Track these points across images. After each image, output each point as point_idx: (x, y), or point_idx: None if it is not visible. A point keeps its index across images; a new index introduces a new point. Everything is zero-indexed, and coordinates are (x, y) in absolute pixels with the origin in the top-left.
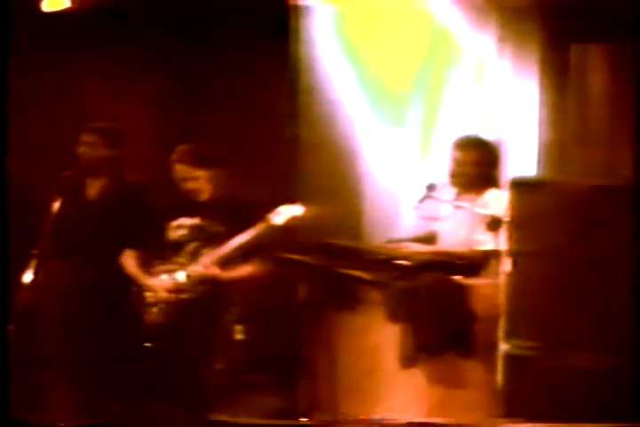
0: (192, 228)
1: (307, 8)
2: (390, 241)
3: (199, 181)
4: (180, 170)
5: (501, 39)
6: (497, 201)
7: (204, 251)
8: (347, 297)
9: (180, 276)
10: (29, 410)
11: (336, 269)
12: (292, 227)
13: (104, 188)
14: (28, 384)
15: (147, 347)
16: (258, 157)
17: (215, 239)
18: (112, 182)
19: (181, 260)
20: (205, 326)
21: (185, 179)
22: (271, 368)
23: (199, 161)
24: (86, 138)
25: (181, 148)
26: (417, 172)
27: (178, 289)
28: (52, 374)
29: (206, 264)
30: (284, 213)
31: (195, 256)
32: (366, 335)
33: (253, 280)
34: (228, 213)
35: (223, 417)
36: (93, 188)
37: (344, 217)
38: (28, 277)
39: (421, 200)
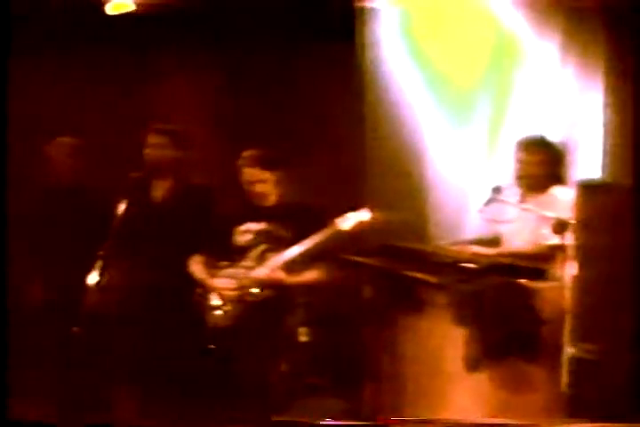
0: (259, 233)
1: (372, 10)
2: (455, 243)
3: (267, 184)
4: (249, 173)
5: (566, 41)
6: (562, 203)
7: (270, 255)
8: (411, 300)
9: (247, 279)
10: (91, 410)
11: (401, 271)
12: (358, 232)
13: (170, 190)
14: (94, 385)
15: (210, 349)
16: (324, 160)
17: (281, 244)
18: (178, 184)
19: (247, 264)
20: (270, 328)
21: (253, 182)
22: (335, 371)
23: (267, 164)
24: (153, 139)
25: (249, 152)
26: (483, 173)
27: (243, 292)
28: (117, 374)
29: (272, 268)
30: (351, 219)
31: (261, 260)
32: (431, 338)
33: (320, 284)
34: (295, 218)
35: (286, 418)
36: (159, 189)
37: (409, 219)
38: (93, 278)
39: (487, 203)
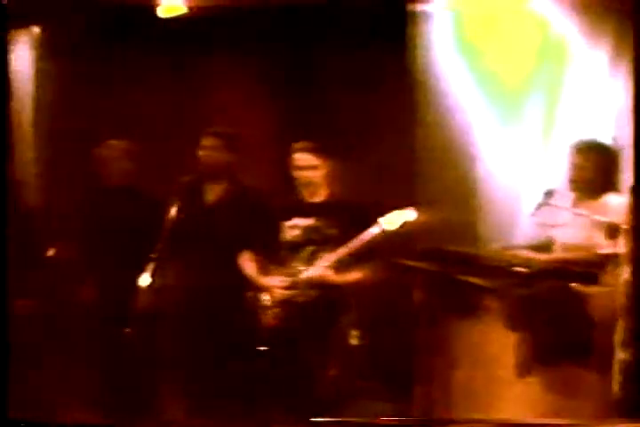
0: (306, 228)
1: (424, 13)
2: (507, 248)
3: (317, 172)
4: (299, 158)
5: (617, 43)
6: (616, 207)
7: (320, 254)
8: (463, 304)
9: (296, 280)
10: (140, 410)
11: (452, 275)
12: (404, 232)
13: (222, 192)
14: (144, 385)
15: (261, 350)
16: (374, 160)
17: (330, 241)
18: (230, 187)
19: (297, 263)
20: (321, 330)
21: (303, 168)
22: (385, 374)
23: (319, 151)
24: (207, 142)
25: (302, 141)
26: (534, 177)
27: (294, 293)
28: (167, 375)
29: (321, 268)
30: (396, 219)
31: (310, 259)
32: (482, 342)
33: (367, 284)
34: (343, 215)
35: (335, 420)
36: (211, 192)
37: (460, 222)
38: (145, 279)
39: (539, 207)
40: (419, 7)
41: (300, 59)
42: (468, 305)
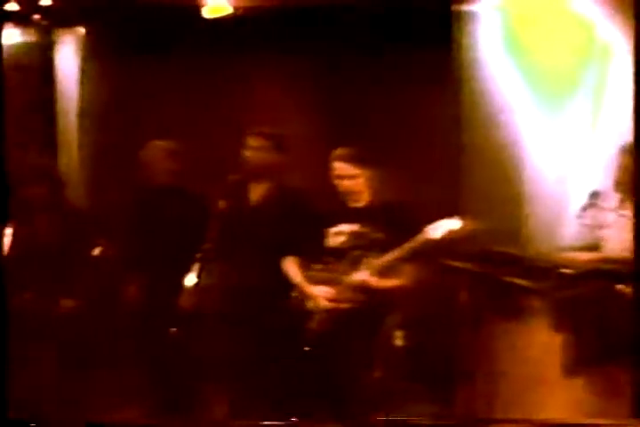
0: (352, 234)
1: (469, 13)
2: (553, 249)
3: (357, 181)
4: (339, 168)
5: None
6: None
7: (365, 259)
8: (508, 305)
9: (341, 285)
10: (185, 410)
11: (498, 276)
12: (449, 241)
13: (266, 192)
14: (188, 385)
15: (306, 351)
16: (419, 163)
17: (375, 246)
18: (275, 187)
19: (342, 267)
20: (365, 331)
21: (342, 177)
22: (430, 375)
23: (358, 160)
24: (253, 142)
25: (341, 148)
26: (580, 178)
27: (339, 299)
28: (212, 375)
29: (366, 274)
30: (442, 227)
31: (355, 264)
32: (527, 344)
33: (413, 286)
34: (388, 220)
35: (379, 419)
36: (256, 192)
37: (506, 224)
38: (192, 279)
39: (584, 208)
40: (464, 7)
41: (344, 60)
42: (513, 306)
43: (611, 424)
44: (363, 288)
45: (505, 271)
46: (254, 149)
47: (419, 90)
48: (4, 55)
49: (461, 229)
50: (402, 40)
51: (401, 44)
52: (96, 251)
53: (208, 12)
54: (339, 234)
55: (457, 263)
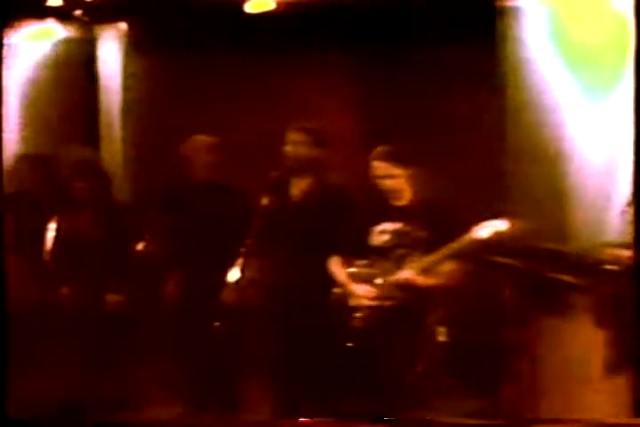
0: (395, 233)
1: (514, 8)
2: (597, 245)
3: (397, 180)
4: (378, 167)
5: None
6: None
7: (410, 258)
8: (552, 301)
9: (384, 283)
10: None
11: (542, 272)
12: (496, 241)
13: (309, 188)
14: (230, 380)
15: (348, 348)
16: (461, 161)
17: (418, 244)
18: (316, 183)
19: (386, 266)
20: (408, 328)
21: (382, 177)
22: (473, 371)
23: (397, 159)
24: (293, 137)
25: (381, 147)
26: (625, 173)
27: (382, 296)
28: (254, 370)
29: (411, 273)
30: (488, 228)
31: (399, 263)
32: (571, 340)
33: (457, 285)
34: (431, 218)
35: (422, 417)
36: (298, 188)
37: (550, 220)
38: (234, 274)
39: (629, 204)
40: (507, 2)
41: (386, 57)
42: (557, 302)
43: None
44: (406, 286)
45: (549, 268)
46: (295, 144)
47: (462, 87)
48: (47, 52)
49: (508, 229)
50: (445, 37)
51: (444, 41)
52: (139, 246)
53: (251, 8)
54: (382, 232)
55: (501, 260)
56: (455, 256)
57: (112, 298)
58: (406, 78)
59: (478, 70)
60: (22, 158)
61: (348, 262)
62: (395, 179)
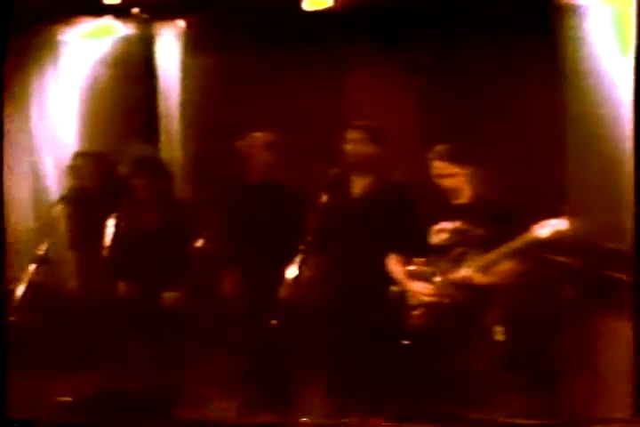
0: (454, 232)
1: (573, 6)
2: None
3: (457, 179)
4: (438, 166)
5: None
6: None
7: (468, 256)
8: (611, 301)
9: (443, 281)
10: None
11: (601, 272)
12: (555, 240)
13: (369, 186)
14: (287, 377)
15: (405, 346)
16: (521, 160)
17: (477, 243)
18: (377, 181)
19: (444, 264)
20: (466, 328)
21: (442, 176)
22: (530, 370)
23: (456, 158)
24: (352, 135)
25: (440, 146)
26: None
27: (440, 294)
28: (311, 367)
29: (469, 271)
30: (548, 227)
31: (458, 262)
32: (629, 339)
33: (515, 284)
34: (490, 217)
35: (479, 416)
36: (359, 185)
37: (610, 218)
38: (293, 272)
39: None
40: (569, 1)
41: (445, 55)
42: (615, 302)
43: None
44: (464, 285)
45: (608, 267)
46: (355, 143)
47: (522, 86)
48: (105, 49)
49: (567, 228)
50: (505, 35)
51: (504, 39)
52: (198, 243)
53: (308, 5)
54: (441, 231)
55: (560, 259)
56: (514, 255)
57: (170, 295)
58: (465, 76)
59: (539, 69)
60: (82, 156)
61: (406, 261)
62: (454, 178)
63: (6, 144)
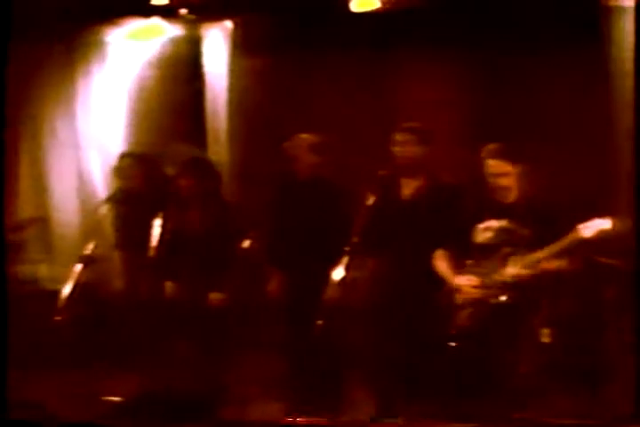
0: (500, 230)
1: (620, 8)
2: None
3: (510, 178)
4: (491, 165)
5: None
6: None
7: (513, 256)
8: None
9: (491, 281)
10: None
11: None
12: (600, 240)
13: (419, 187)
14: (334, 379)
15: (451, 346)
16: (567, 159)
17: (523, 242)
18: (427, 182)
19: (490, 264)
20: (513, 329)
21: (496, 175)
22: (575, 373)
23: (510, 156)
24: (400, 137)
25: (493, 144)
26: None
27: (487, 293)
28: (358, 369)
29: (515, 270)
30: (594, 227)
31: (503, 261)
32: None
33: (560, 283)
34: (537, 216)
35: (525, 416)
36: (408, 187)
37: None
38: (339, 273)
39: None
40: (613, 2)
41: (493, 56)
42: None
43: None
44: (511, 285)
45: None
46: (403, 145)
47: (570, 86)
48: (152, 50)
49: (613, 228)
50: (552, 36)
51: (551, 40)
52: (244, 244)
53: (356, 6)
54: (487, 230)
55: (604, 259)
56: (559, 255)
57: (216, 295)
58: (514, 76)
59: (587, 69)
60: (128, 156)
61: (452, 258)
62: (507, 176)
63: (52, 144)
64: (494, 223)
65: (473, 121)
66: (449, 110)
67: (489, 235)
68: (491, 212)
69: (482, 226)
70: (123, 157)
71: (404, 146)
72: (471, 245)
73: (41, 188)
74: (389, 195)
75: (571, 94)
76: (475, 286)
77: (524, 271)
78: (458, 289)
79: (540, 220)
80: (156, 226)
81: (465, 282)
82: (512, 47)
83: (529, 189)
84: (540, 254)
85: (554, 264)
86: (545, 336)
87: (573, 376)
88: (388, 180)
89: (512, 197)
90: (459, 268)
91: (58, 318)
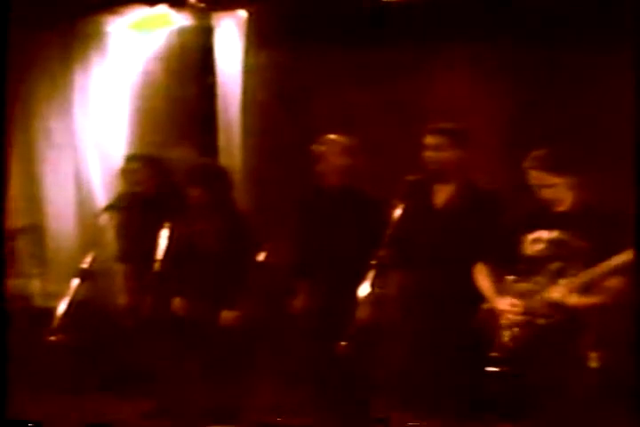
0: (551, 242)
1: None
2: None
3: (557, 189)
4: (536, 177)
5: None
6: None
7: (566, 272)
8: None
9: (536, 300)
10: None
11: None
12: None
13: (454, 194)
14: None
15: (491, 371)
16: (619, 164)
17: (577, 256)
18: (462, 188)
19: (540, 279)
20: (559, 353)
21: (541, 186)
22: (627, 398)
23: (556, 167)
24: (431, 140)
25: (536, 153)
26: None
27: (532, 315)
28: (386, 391)
29: (564, 290)
30: None
31: (556, 277)
32: None
33: (612, 306)
34: (592, 227)
35: None
36: (442, 194)
37: None
38: (365, 289)
39: None
40: None
41: (534, 55)
42: None
43: None
44: (558, 305)
45: None
46: (434, 148)
47: (609, 89)
48: (158, 42)
49: None
50: (590, 38)
51: (589, 42)
52: (260, 257)
53: None
54: (536, 241)
55: None
56: (619, 272)
57: (228, 314)
58: (555, 77)
59: (625, 69)
60: (137, 158)
61: (497, 274)
62: (553, 188)
63: (47, 145)
64: (544, 234)
65: (515, 124)
66: (486, 111)
67: (539, 247)
68: (541, 221)
69: (531, 237)
70: (130, 159)
71: (435, 150)
72: (518, 257)
73: (34, 193)
74: (421, 203)
75: (619, 99)
76: (518, 313)
77: (576, 291)
78: (501, 312)
79: (598, 232)
80: (163, 237)
81: (508, 307)
82: (556, 49)
83: (585, 198)
84: (596, 271)
85: (612, 283)
86: (593, 361)
87: (622, 402)
88: (419, 186)
89: (565, 205)
90: (504, 284)
91: (52, 338)
